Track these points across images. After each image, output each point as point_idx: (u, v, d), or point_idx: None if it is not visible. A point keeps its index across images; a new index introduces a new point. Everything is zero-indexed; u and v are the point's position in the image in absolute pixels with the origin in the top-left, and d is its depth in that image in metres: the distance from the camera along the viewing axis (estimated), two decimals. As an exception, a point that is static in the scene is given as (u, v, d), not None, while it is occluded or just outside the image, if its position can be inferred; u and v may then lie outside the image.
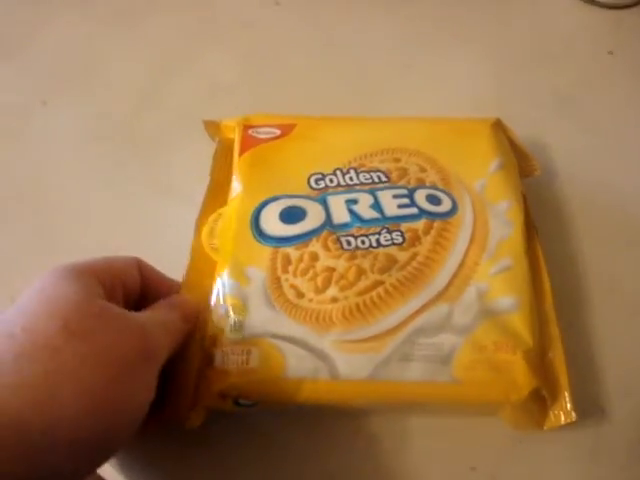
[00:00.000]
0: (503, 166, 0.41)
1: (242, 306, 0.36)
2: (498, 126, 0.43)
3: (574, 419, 0.36)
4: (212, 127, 0.45)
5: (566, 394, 0.36)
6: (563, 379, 0.36)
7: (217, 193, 0.42)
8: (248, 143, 0.42)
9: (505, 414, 0.37)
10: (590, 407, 0.39)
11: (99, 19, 0.59)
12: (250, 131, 0.43)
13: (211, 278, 0.38)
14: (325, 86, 0.52)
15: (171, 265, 0.40)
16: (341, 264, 0.37)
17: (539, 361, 0.36)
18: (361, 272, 0.37)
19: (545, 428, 0.36)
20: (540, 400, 0.36)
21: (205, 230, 0.40)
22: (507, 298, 0.36)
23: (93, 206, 0.47)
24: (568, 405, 0.36)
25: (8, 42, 0.57)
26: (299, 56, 0.55)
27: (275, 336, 0.35)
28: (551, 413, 0.36)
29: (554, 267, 0.41)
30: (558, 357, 0.37)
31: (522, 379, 0.34)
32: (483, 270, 0.37)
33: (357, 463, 0.37)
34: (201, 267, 0.39)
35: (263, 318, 0.36)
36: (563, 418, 0.36)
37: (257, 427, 0.38)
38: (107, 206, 0.47)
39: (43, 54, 0.56)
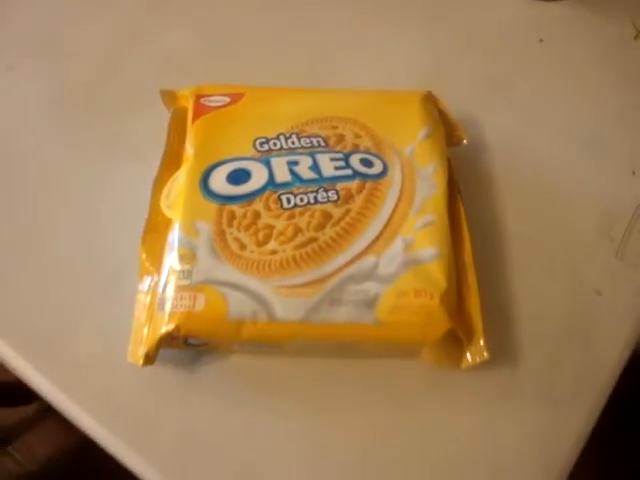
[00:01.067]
0: (431, 134, 0.45)
1: (191, 256, 0.40)
2: (429, 98, 0.47)
3: (487, 358, 0.40)
4: (168, 96, 0.48)
5: (480, 336, 0.41)
6: (478, 323, 0.41)
7: (172, 157, 0.45)
8: (200, 110, 0.46)
9: (426, 353, 0.41)
10: (504, 352, 0.43)
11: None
12: (202, 100, 0.46)
13: (166, 233, 0.42)
14: (275, 60, 0.56)
15: (129, 222, 0.44)
16: (280, 222, 0.41)
17: (455, 306, 0.40)
18: (298, 230, 0.41)
19: (462, 367, 0.41)
20: (457, 341, 0.40)
21: (163, 192, 0.44)
22: (429, 249, 0.41)
23: (55, 167, 0.50)
24: (482, 346, 0.40)
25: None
26: (252, 32, 0.58)
27: (219, 283, 0.39)
28: (467, 353, 0.41)
29: (477, 227, 0.45)
30: (474, 303, 0.42)
31: (438, 321, 0.39)
32: (409, 224, 0.41)
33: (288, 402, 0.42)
34: (157, 224, 0.43)
35: (209, 267, 0.40)
36: (477, 358, 0.40)
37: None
38: (69, 168, 0.50)
39: (10, 21, 0.58)
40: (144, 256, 0.42)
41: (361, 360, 0.42)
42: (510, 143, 0.52)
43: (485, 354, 0.40)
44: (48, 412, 1.08)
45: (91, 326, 0.44)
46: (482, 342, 0.41)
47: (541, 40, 0.57)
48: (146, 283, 0.42)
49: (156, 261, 0.42)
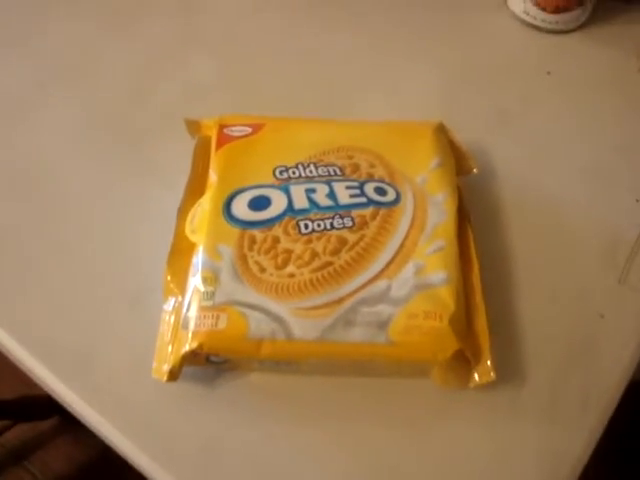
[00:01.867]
0: (442, 164, 0.48)
1: (214, 278, 0.43)
2: (440, 129, 0.50)
3: (493, 379, 0.42)
4: (192, 126, 0.51)
5: (488, 357, 0.43)
6: (485, 344, 0.43)
7: (197, 184, 0.48)
8: (223, 140, 0.49)
9: (435, 374, 0.43)
10: (510, 372, 0.45)
11: (97, 18, 0.65)
12: (225, 130, 0.49)
13: (190, 257, 0.45)
14: (294, 90, 0.59)
15: (155, 245, 0.47)
16: (298, 247, 0.43)
17: (464, 327, 0.43)
18: (315, 254, 0.43)
19: (470, 387, 0.43)
20: (465, 362, 0.42)
21: (187, 217, 0.47)
22: (439, 273, 0.43)
23: (83, 191, 0.53)
24: (489, 366, 0.42)
25: (16, 32, 0.63)
26: (273, 63, 0.61)
27: (240, 304, 0.42)
28: (474, 373, 0.43)
29: (485, 252, 0.47)
30: (481, 325, 0.44)
31: (447, 342, 0.41)
32: (420, 250, 0.44)
33: (308, 417, 0.44)
34: (182, 248, 0.46)
35: (231, 288, 0.42)
36: (485, 378, 0.42)
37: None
38: (99, 190, 0.53)
39: (44, 48, 0.62)
40: (169, 278, 0.45)
41: (375, 379, 0.44)
42: (517, 172, 0.54)
43: (492, 374, 0.42)
44: (64, 428, 1.11)
45: (118, 343, 0.46)
46: (489, 363, 0.43)
47: (549, 72, 0.60)
48: (170, 303, 0.44)
49: (180, 283, 0.44)
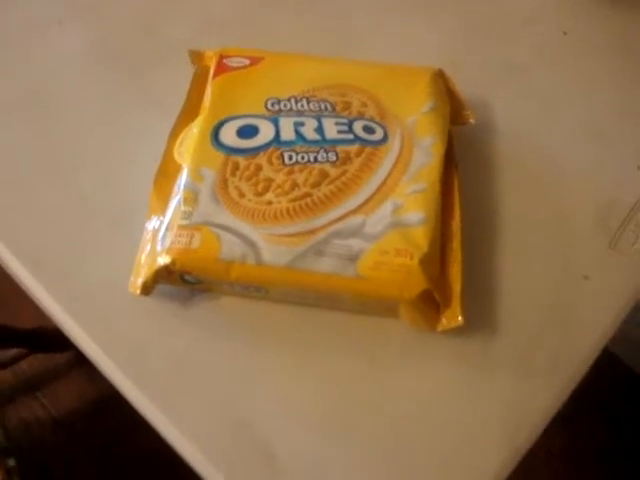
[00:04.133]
0: (435, 108, 0.47)
1: (193, 198, 0.44)
2: (439, 75, 0.49)
3: (461, 323, 0.42)
4: (195, 56, 0.52)
5: (457, 301, 0.43)
6: (457, 289, 0.43)
7: (190, 110, 0.49)
8: (221, 69, 0.49)
9: (404, 312, 0.43)
10: (483, 322, 0.45)
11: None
12: (224, 60, 0.50)
13: (176, 178, 0.46)
14: (303, 32, 0.58)
15: (147, 167, 0.47)
16: (280, 177, 0.44)
17: (435, 270, 0.43)
18: (295, 185, 0.43)
19: (437, 329, 0.43)
20: (434, 305, 0.42)
21: (177, 140, 0.48)
22: (416, 214, 0.43)
23: (88, 114, 0.54)
24: (458, 311, 0.42)
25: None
26: (286, 4, 0.61)
27: (215, 225, 0.43)
28: (443, 316, 0.43)
29: (472, 203, 0.47)
30: (455, 270, 0.44)
31: (415, 280, 0.41)
32: (401, 189, 0.43)
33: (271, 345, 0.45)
34: (169, 169, 0.47)
35: (208, 210, 0.43)
36: (452, 322, 0.42)
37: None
38: (99, 115, 0.54)
39: None
40: (154, 197, 0.46)
41: (343, 313, 0.45)
42: (518, 129, 0.53)
43: (460, 319, 0.42)
44: (79, 364, 1.14)
45: (101, 257, 0.47)
46: (458, 307, 0.42)
47: (565, 33, 0.58)
48: (153, 222, 0.45)
49: (163, 203, 0.45)
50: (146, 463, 1.05)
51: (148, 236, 0.45)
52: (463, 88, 0.51)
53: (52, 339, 1.07)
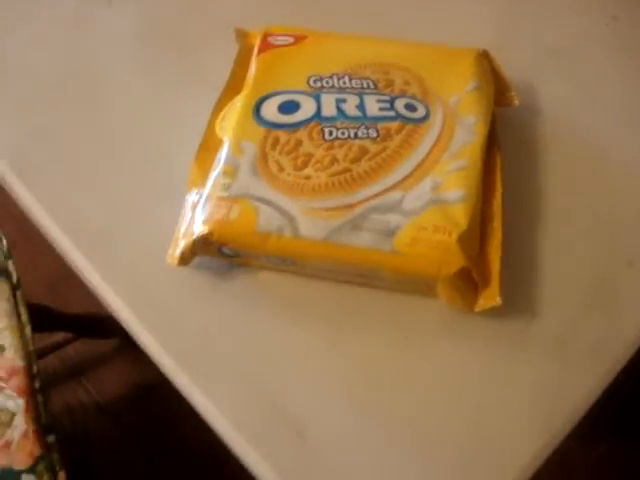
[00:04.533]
0: (479, 88, 0.47)
1: (233, 171, 0.44)
2: (484, 55, 0.49)
3: (498, 303, 0.41)
4: (241, 35, 0.52)
5: (496, 281, 0.42)
6: (495, 269, 0.42)
7: (234, 86, 0.49)
8: (265, 47, 0.49)
9: (441, 291, 0.43)
10: (523, 305, 0.44)
11: None
12: (269, 38, 0.50)
13: (217, 152, 0.46)
14: (352, 10, 0.58)
15: (192, 143, 0.48)
16: (319, 152, 0.44)
17: (474, 248, 0.42)
18: (334, 160, 0.43)
19: (475, 309, 0.42)
20: (472, 284, 0.42)
21: (220, 115, 0.48)
22: (457, 191, 0.42)
23: (136, 91, 0.55)
24: (496, 291, 0.41)
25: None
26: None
27: (254, 197, 0.43)
28: (481, 296, 0.42)
29: (515, 184, 0.47)
30: (495, 250, 0.43)
31: (453, 257, 0.40)
32: (441, 167, 0.43)
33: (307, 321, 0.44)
34: (211, 144, 0.47)
35: (248, 183, 0.43)
36: (490, 302, 0.42)
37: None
38: (148, 93, 0.55)
39: None
40: (195, 171, 0.46)
41: (379, 291, 0.44)
42: (563, 114, 0.52)
43: (498, 299, 0.41)
44: (125, 350, 1.16)
45: (143, 229, 0.48)
46: (497, 287, 0.42)
47: (614, 17, 0.57)
48: (193, 194, 0.46)
49: (204, 176, 0.46)
50: (190, 452, 1.06)
51: (188, 208, 0.46)
52: (508, 70, 0.50)
53: (99, 325, 1.08)
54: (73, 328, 1.10)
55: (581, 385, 0.42)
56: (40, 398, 0.69)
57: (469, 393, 0.42)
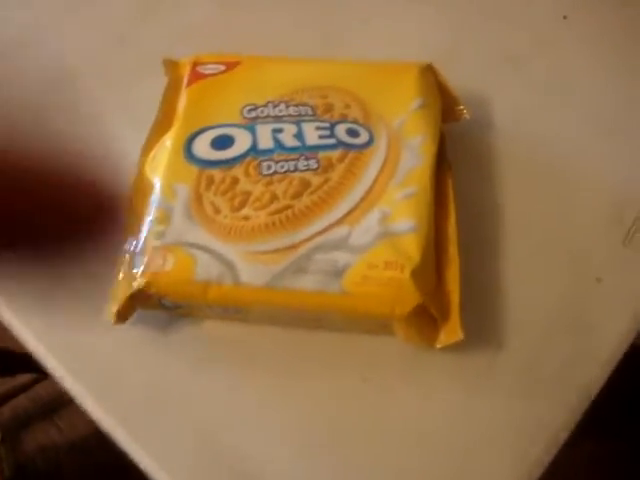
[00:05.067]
0: (424, 106, 0.44)
1: (166, 217, 0.41)
2: (428, 70, 0.46)
3: (461, 338, 0.38)
4: (170, 65, 0.49)
5: (456, 315, 0.39)
6: (455, 301, 0.39)
7: (164, 122, 0.46)
8: (195, 77, 0.46)
9: (399, 329, 0.40)
10: (487, 335, 0.42)
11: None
12: (198, 67, 0.47)
13: (149, 196, 0.43)
14: (289, 31, 0.55)
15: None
16: (258, 189, 0.41)
17: (430, 282, 0.39)
18: (274, 197, 0.40)
19: (437, 346, 0.39)
20: (431, 319, 0.39)
21: (150, 154, 0.45)
22: (406, 221, 0.39)
23: (58, 128, 0.51)
24: (457, 325, 0.39)
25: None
26: (267, 4, 0.57)
27: (190, 245, 0.40)
28: (441, 332, 0.39)
29: (471, 205, 0.44)
30: (453, 280, 0.40)
31: (407, 295, 0.38)
32: (389, 196, 0.40)
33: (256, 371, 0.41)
34: (142, 187, 0.44)
35: (182, 228, 0.40)
36: (452, 337, 0.39)
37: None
38: (72, 130, 0.51)
39: None
40: (129, 217, 0.43)
41: (334, 334, 0.41)
42: (520, 121, 0.49)
43: (459, 333, 0.38)
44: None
45: (80, 284, 0.44)
46: (458, 321, 0.39)
47: (565, 17, 0.54)
48: (129, 243, 0.42)
49: (139, 223, 0.42)
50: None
51: (125, 259, 0.42)
52: (457, 82, 0.47)
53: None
54: (36, 369, 1.06)
55: (558, 411, 0.40)
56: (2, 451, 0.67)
57: (437, 433, 0.39)
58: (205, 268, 0.39)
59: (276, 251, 0.39)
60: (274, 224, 0.40)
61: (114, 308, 0.40)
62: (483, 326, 0.41)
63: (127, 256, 0.42)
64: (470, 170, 0.46)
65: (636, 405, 0.99)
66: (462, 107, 0.46)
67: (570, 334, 0.42)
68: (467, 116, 0.46)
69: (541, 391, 0.40)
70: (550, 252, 0.44)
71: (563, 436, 0.39)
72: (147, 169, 0.44)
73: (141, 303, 0.41)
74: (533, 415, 0.40)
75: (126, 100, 0.52)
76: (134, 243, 0.42)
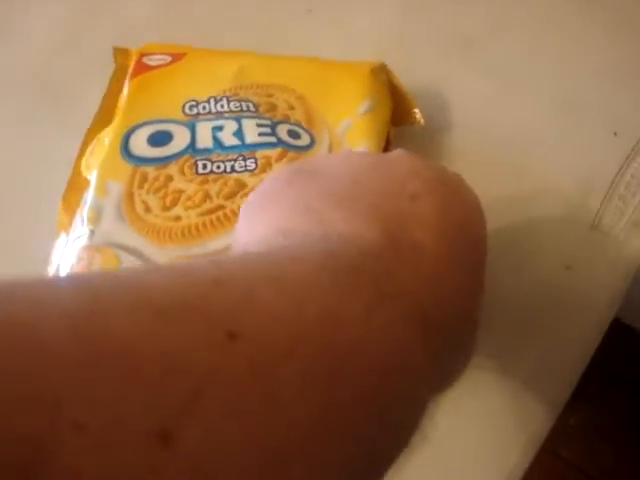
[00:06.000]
0: (373, 109, 0.42)
1: (96, 217, 0.39)
2: (380, 70, 0.44)
3: None
4: (120, 55, 0.47)
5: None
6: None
7: (105, 116, 0.44)
8: (139, 69, 0.44)
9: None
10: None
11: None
12: (144, 58, 0.45)
13: (83, 193, 0.41)
14: (229, 26, 0.53)
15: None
16: (191, 187, 0.39)
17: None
18: (207, 196, 0.39)
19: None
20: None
21: (87, 151, 0.43)
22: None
23: (6, 144, 0.50)
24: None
25: None
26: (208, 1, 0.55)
27: (118, 246, 0.38)
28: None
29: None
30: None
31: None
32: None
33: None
34: (78, 183, 0.42)
35: (111, 229, 0.39)
36: None
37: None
38: (15, 146, 0.49)
39: None
40: (62, 213, 0.42)
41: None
42: (477, 112, 0.47)
43: None
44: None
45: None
46: None
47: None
48: (61, 240, 0.41)
49: (71, 220, 0.41)
50: None
51: (55, 257, 0.41)
52: (412, 77, 0.45)
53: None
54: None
55: (538, 409, 0.38)
56: None
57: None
58: (130, 271, 0.38)
59: (205, 256, 0.37)
60: (204, 225, 0.38)
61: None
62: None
63: (58, 254, 0.41)
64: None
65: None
66: (416, 111, 0.44)
67: (539, 331, 0.40)
68: (421, 121, 0.44)
69: (517, 392, 0.39)
70: (512, 244, 0.42)
71: (534, 449, 0.38)
72: (83, 165, 0.42)
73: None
74: (512, 416, 0.39)
75: (73, 101, 0.50)
76: (66, 240, 0.41)
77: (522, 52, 0.50)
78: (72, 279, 0.18)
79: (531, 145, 0.46)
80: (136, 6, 0.55)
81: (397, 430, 0.23)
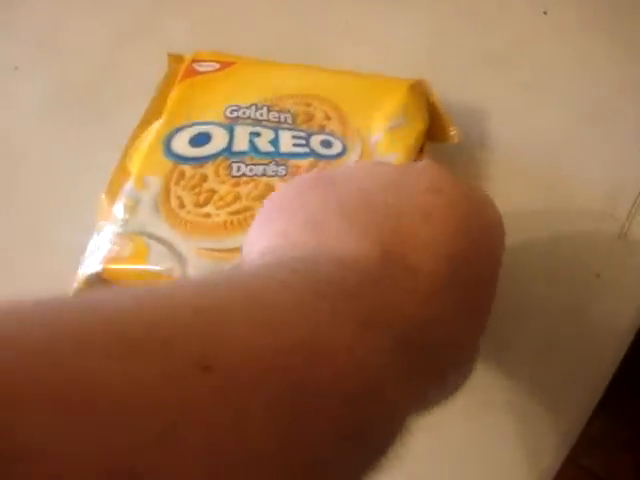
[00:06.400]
0: (407, 124, 0.43)
1: (133, 206, 0.42)
2: (418, 87, 0.45)
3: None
4: (175, 60, 0.50)
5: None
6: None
7: (152, 115, 0.47)
8: (188, 73, 0.47)
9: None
10: (486, 353, 0.39)
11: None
12: (194, 64, 0.47)
13: (124, 183, 0.44)
14: (270, 42, 0.54)
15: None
16: (224, 189, 0.41)
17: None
18: (237, 197, 0.41)
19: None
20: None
21: (133, 146, 0.46)
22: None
23: (50, 159, 0.52)
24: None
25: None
26: (250, 19, 0.57)
27: (149, 235, 0.40)
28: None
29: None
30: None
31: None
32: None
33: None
34: (121, 176, 0.44)
35: (146, 219, 0.41)
36: None
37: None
38: (62, 159, 0.52)
39: (13, 24, 0.59)
40: (104, 202, 0.44)
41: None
42: (508, 127, 0.48)
43: None
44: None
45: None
46: None
47: (545, 12, 0.53)
48: (99, 228, 0.44)
49: (111, 210, 0.43)
50: None
51: (92, 243, 0.43)
52: (449, 94, 0.46)
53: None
54: None
55: (565, 417, 0.39)
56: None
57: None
58: (157, 259, 0.39)
59: (228, 250, 0.39)
60: (232, 223, 0.40)
61: (72, 290, 0.42)
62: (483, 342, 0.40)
63: (95, 241, 0.43)
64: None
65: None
66: (452, 129, 0.45)
67: (571, 336, 0.41)
68: (456, 139, 0.45)
69: (544, 399, 0.40)
70: (544, 253, 0.43)
71: (569, 446, 0.38)
72: (127, 158, 0.45)
73: (101, 287, 0.42)
74: (539, 424, 0.39)
75: (117, 125, 0.49)
76: (103, 227, 0.43)
77: (551, 67, 0.51)
78: (41, 306, 0.18)
79: (561, 157, 0.47)
80: (180, 23, 0.58)
81: (373, 458, 0.22)
